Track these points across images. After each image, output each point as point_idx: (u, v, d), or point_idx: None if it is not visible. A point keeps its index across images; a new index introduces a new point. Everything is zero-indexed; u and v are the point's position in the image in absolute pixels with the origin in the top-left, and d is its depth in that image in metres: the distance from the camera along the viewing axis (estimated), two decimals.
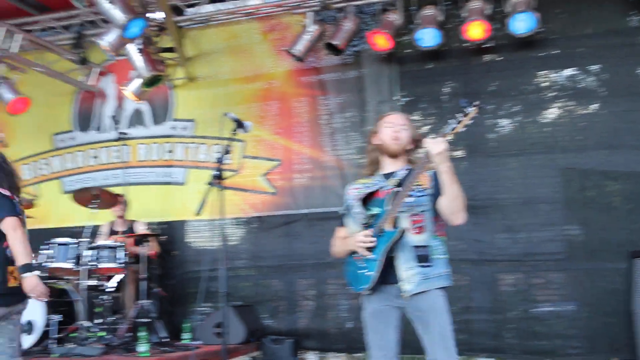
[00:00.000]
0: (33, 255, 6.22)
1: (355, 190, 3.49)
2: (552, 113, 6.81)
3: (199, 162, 7.95)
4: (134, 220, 7.34)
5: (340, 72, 7.52)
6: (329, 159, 7.43)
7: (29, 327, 5.95)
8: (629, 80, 6.52)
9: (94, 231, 6.92)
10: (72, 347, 5.77)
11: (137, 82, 7.56)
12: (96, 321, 6.14)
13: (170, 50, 8.02)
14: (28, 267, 3.81)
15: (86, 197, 6.70)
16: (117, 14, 6.30)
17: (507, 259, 6.64)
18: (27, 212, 6.92)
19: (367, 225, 3.32)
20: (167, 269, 7.63)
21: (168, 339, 6.40)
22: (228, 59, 8.01)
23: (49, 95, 8.53)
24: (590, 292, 6.35)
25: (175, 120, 8.19)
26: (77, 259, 6.29)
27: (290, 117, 7.68)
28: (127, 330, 6.17)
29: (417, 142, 3.44)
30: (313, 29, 7.17)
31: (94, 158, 8.44)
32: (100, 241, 6.73)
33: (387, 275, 3.21)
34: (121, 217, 7.28)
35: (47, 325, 5.98)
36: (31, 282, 3.82)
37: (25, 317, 5.79)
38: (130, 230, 7.11)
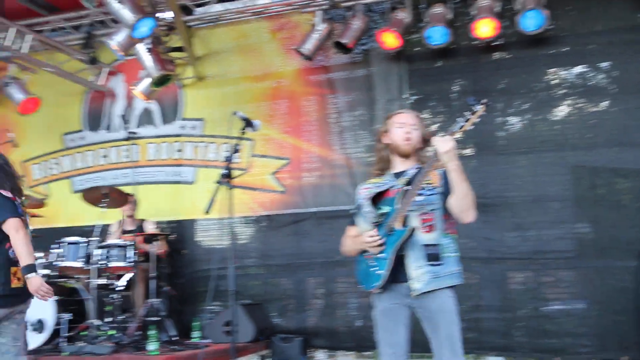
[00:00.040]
0: (44, 253, 6.38)
1: (366, 190, 3.49)
2: (562, 111, 6.79)
3: (208, 161, 7.97)
4: (143, 220, 7.36)
5: (349, 71, 7.51)
6: (338, 157, 7.43)
7: (39, 326, 5.99)
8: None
9: (104, 230, 6.95)
10: (82, 346, 5.82)
11: (146, 82, 7.59)
12: (106, 320, 6.17)
13: (179, 49, 8.04)
14: (31, 268, 3.83)
15: (96, 196, 6.72)
16: (127, 14, 6.33)
17: (517, 257, 6.61)
18: (37, 211, 7.04)
19: (377, 224, 3.32)
20: (177, 267, 7.65)
21: (177, 338, 6.42)
22: (237, 58, 8.02)
23: (59, 95, 8.57)
24: (600, 290, 6.33)
25: (185, 119, 8.21)
26: (87, 257, 6.33)
27: (299, 115, 7.68)
28: (137, 328, 6.19)
29: (427, 140, 3.43)
30: (322, 28, 7.17)
31: (104, 157, 8.48)
32: (110, 240, 6.76)
33: (397, 273, 3.21)
34: (131, 216, 7.30)
35: (58, 323, 6.02)
36: (35, 282, 3.83)
37: (36, 315, 5.90)
38: (139, 230, 7.13)
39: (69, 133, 8.68)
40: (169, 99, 8.27)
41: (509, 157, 6.82)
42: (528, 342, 6.41)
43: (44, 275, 6.29)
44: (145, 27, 6.49)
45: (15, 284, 3.86)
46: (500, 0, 6.59)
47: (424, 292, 3.18)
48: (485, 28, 6.51)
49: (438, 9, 6.73)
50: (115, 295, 6.30)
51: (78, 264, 6.33)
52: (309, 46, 7.15)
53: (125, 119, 7.99)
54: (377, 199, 3.39)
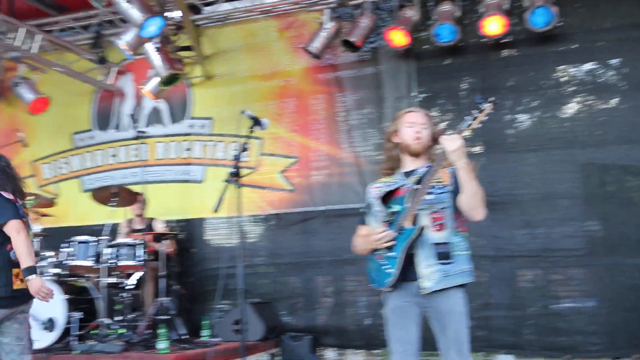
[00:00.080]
0: (54, 252, 6.41)
1: (376, 189, 3.48)
2: (571, 108, 6.76)
3: (216, 159, 7.99)
4: (152, 218, 7.39)
5: (357, 69, 7.51)
6: (346, 155, 7.43)
7: (50, 324, 6.03)
8: None
9: (114, 229, 6.98)
10: (92, 344, 5.85)
11: (155, 81, 7.61)
12: (116, 318, 6.20)
13: (187, 48, 8.06)
14: (32, 270, 3.84)
15: (105, 195, 6.74)
16: (135, 13, 6.35)
17: (526, 255, 6.60)
18: (47, 210, 7.08)
19: (388, 223, 3.32)
20: (186, 266, 7.67)
21: (187, 336, 6.42)
22: (245, 57, 8.03)
23: (69, 94, 8.59)
24: (610, 287, 6.31)
25: (193, 118, 8.23)
26: (97, 256, 6.36)
27: (307, 114, 7.68)
28: (147, 327, 6.21)
29: (437, 139, 3.41)
30: (330, 26, 7.17)
31: (113, 157, 8.51)
32: (119, 239, 6.79)
33: (408, 272, 3.22)
34: (140, 215, 7.33)
35: (68, 322, 6.05)
36: (35, 284, 3.84)
37: (46, 314, 5.93)
38: (149, 228, 7.15)
39: (78, 132, 8.71)
40: (178, 98, 8.28)
41: (518, 154, 6.81)
42: (538, 340, 6.39)
43: (54, 274, 6.35)
44: (154, 26, 6.50)
45: (17, 285, 3.88)
46: None
47: (435, 291, 3.18)
48: (493, 25, 6.49)
49: (446, 7, 6.73)
50: (125, 294, 6.32)
51: (88, 262, 6.37)
52: (317, 44, 7.15)
53: (134, 118, 8.00)
54: (387, 197, 3.39)
